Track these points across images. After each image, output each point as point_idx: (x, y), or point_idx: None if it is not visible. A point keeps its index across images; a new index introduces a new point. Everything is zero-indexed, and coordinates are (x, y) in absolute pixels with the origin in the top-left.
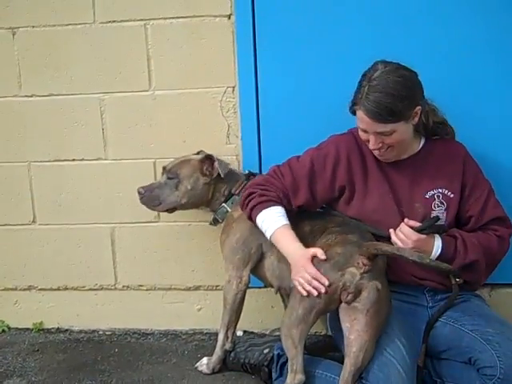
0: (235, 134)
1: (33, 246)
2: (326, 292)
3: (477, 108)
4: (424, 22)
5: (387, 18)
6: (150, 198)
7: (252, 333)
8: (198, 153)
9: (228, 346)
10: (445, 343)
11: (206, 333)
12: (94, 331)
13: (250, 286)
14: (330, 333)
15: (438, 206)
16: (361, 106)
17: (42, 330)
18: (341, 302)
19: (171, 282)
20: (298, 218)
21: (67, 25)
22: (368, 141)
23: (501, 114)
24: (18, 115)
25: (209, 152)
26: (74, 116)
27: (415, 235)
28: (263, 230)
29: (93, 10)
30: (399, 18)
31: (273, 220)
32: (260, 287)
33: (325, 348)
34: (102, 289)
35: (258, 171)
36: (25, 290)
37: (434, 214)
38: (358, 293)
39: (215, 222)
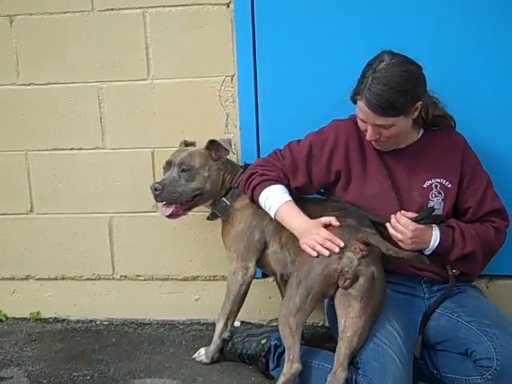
0: (234, 123)
1: (30, 236)
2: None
3: (477, 99)
4: (425, 13)
5: (387, 8)
6: (168, 192)
7: (250, 323)
8: (185, 144)
9: (226, 334)
10: (441, 334)
11: (204, 323)
12: (91, 321)
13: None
14: (327, 324)
15: (436, 196)
16: (363, 97)
17: (40, 319)
18: (337, 288)
19: (169, 272)
20: (299, 203)
21: (65, 12)
22: (366, 130)
23: (501, 107)
24: (15, 104)
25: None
26: (71, 105)
27: (413, 225)
28: (267, 208)
29: None
30: (399, 7)
31: (276, 197)
32: (258, 278)
33: (322, 339)
34: (99, 279)
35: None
36: (22, 279)
37: (431, 203)
38: (355, 279)
39: (213, 216)
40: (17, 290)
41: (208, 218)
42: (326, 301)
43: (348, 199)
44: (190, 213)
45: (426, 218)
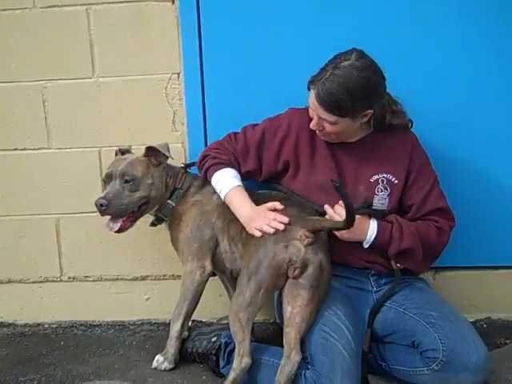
0: (181, 121)
1: None
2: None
3: (434, 99)
4: (373, 9)
5: (338, 3)
6: (115, 206)
7: (200, 322)
8: (121, 152)
9: (185, 334)
10: (389, 327)
11: (154, 323)
12: (38, 324)
13: None
14: (277, 320)
15: (382, 191)
16: (315, 88)
17: None
18: (287, 279)
19: (118, 272)
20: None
21: (5, 10)
22: (313, 118)
23: (458, 106)
24: None
25: (154, 139)
26: (14, 104)
27: None
28: (218, 191)
29: None
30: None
31: (226, 181)
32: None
33: (273, 336)
34: (46, 281)
35: None
36: None
37: (376, 198)
38: (304, 267)
39: (159, 220)
40: None
41: (152, 224)
42: (275, 296)
43: (295, 189)
44: None
45: (361, 208)
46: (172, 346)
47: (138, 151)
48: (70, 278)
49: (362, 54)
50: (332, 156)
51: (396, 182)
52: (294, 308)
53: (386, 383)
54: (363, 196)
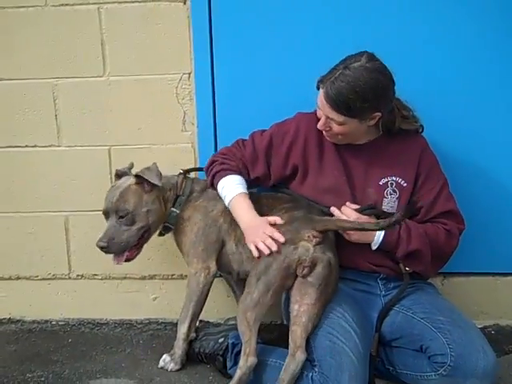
0: (191, 121)
1: None
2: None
3: (444, 102)
4: (386, 12)
5: (348, 4)
6: (117, 245)
7: (207, 322)
8: (117, 175)
9: (194, 335)
10: (397, 331)
11: (162, 322)
12: (46, 321)
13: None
14: (285, 322)
15: (391, 194)
16: (324, 87)
17: None
18: (295, 278)
19: (126, 270)
20: (250, 198)
21: (18, 7)
22: (320, 118)
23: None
24: None
25: (164, 139)
26: (25, 101)
27: (355, 214)
28: (223, 197)
29: None
30: (361, 4)
31: (231, 187)
32: (216, 276)
33: (280, 338)
34: (55, 278)
35: None
36: None
37: (386, 201)
38: (313, 266)
39: (166, 230)
40: None
41: (160, 234)
42: (283, 297)
43: (304, 193)
44: None
45: (368, 209)
46: (179, 347)
47: (148, 151)
48: (78, 275)
49: (372, 57)
50: (340, 159)
51: (405, 185)
52: (301, 306)
53: None
54: (372, 199)
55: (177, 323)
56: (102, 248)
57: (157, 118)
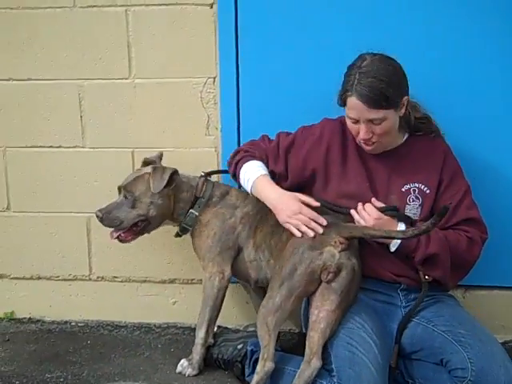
0: (215, 125)
1: (6, 234)
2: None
3: (467, 109)
4: (414, 14)
5: (372, 10)
6: (110, 219)
7: (226, 328)
8: (145, 163)
9: (212, 341)
10: (417, 343)
11: (180, 327)
12: (66, 322)
13: (232, 281)
14: (303, 330)
15: (413, 201)
16: (353, 93)
17: (14, 319)
18: (319, 284)
19: (146, 274)
20: (264, 207)
21: (46, 8)
22: (358, 132)
23: (491, 115)
24: None
25: (187, 143)
26: (51, 102)
27: (377, 213)
28: (245, 182)
29: None
30: (385, 7)
31: (254, 170)
32: (234, 282)
33: (298, 346)
34: (75, 279)
35: None
36: None
37: (408, 207)
38: (338, 272)
39: (183, 231)
40: None
41: (177, 235)
42: (303, 304)
43: (326, 198)
44: None
45: (391, 210)
46: (197, 352)
47: (171, 154)
48: (98, 277)
49: (372, 52)
50: (363, 165)
51: (428, 191)
52: (321, 312)
53: None
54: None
55: (195, 328)
56: (97, 217)
57: (181, 122)
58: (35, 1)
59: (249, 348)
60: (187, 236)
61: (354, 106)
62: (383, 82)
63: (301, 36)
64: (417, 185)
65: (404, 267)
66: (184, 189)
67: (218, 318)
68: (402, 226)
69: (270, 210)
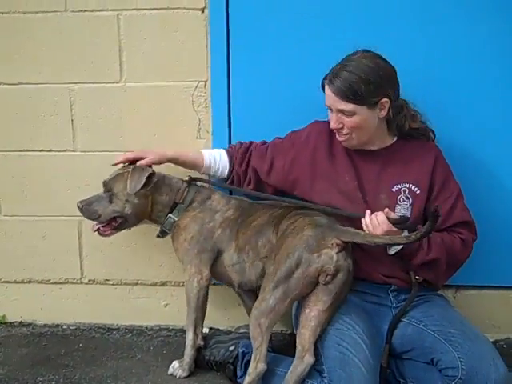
0: (206, 128)
1: None
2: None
3: (461, 108)
4: (404, 15)
5: (362, 13)
6: (89, 211)
7: (218, 330)
8: (134, 161)
9: (200, 343)
10: (408, 343)
11: (172, 329)
12: (58, 325)
13: (216, 283)
14: (295, 332)
15: (404, 201)
16: (328, 81)
17: (5, 323)
18: (315, 286)
19: (138, 277)
20: (253, 208)
21: (38, 12)
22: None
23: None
24: None
25: (178, 146)
26: (42, 106)
27: (388, 225)
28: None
29: None
30: (377, 9)
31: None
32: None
33: (289, 346)
34: (67, 282)
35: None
36: None
37: (398, 207)
38: (336, 274)
39: (163, 233)
40: None
41: (158, 236)
42: (294, 305)
43: (315, 199)
44: None
45: (402, 224)
46: (187, 354)
47: None
48: (90, 280)
49: (368, 50)
50: (352, 164)
51: (418, 192)
52: (312, 311)
53: None
54: (385, 205)
55: None
56: (77, 207)
57: (172, 125)
58: (27, 5)
59: (240, 350)
60: None
61: (328, 93)
62: (358, 78)
63: (292, 40)
64: (407, 185)
65: (394, 268)
66: (163, 192)
67: (211, 320)
68: (405, 232)
69: (252, 212)
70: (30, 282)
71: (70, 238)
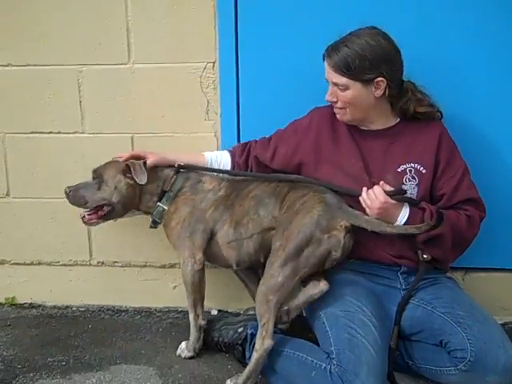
0: (214, 110)
1: (6, 220)
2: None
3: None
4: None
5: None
6: (76, 197)
7: (226, 312)
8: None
9: (202, 323)
10: (417, 325)
11: (181, 311)
12: (67, 307)
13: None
14: (304, 314)
15: (410, 181)
16: (327, 54)
17: (15, 304)
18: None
19: (147, 259)
20: (246, 182)
21: None
22: None
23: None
24: None
25: (187, 128)
26: (50, 87)
27: (384, 197)
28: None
29: None
30: (388, 6)
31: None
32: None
33: (300, 329)
34: (76, 264)
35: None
36: None
37: (405, 187)
38: (342, 255)
39: (155, 223)
40: None
41: (151, 227)
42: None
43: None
44: None
45: (398, 194)
46: (191, 335)
47: (170, 139)
48: (98, 262)
49: (374, 27)
50: (356, 145)
51: (424, 171)
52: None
53: (412, 381)
54: (391, 185)
55: None
56: (65, 193)
57: (180, 107)
58: None
59: (249, 331)
60: None
61: (325, 65)
62: (354, 53)
63: (302, 20)
64: (413, 165)
65: (403, 249)
66: (150, 180)
67: (219, 302)
68: (406, 209)
69: (246, 185)
70: (39, 263)
71: (78, 220)
